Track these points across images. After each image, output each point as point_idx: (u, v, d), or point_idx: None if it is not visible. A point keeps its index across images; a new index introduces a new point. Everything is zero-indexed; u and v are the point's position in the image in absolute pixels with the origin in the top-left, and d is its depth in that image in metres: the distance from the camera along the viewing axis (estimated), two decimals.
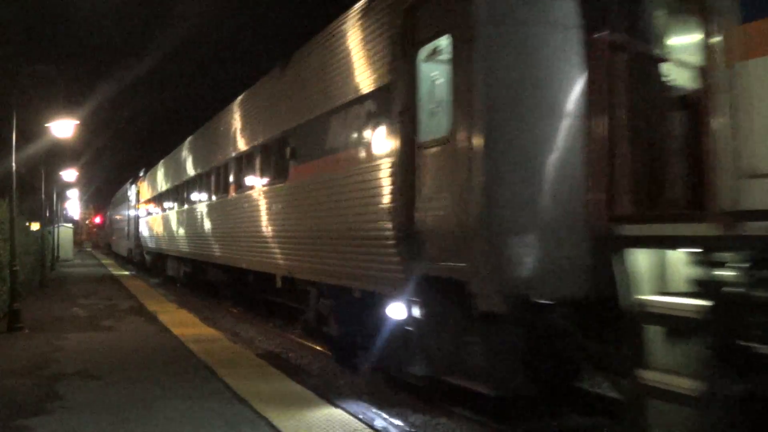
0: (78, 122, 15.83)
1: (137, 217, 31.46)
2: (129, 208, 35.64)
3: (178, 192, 20.49)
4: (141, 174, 31.83)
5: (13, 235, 12.16)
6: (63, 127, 15.39)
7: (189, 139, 19.88)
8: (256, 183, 11.81)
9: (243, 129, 13.41)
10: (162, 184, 24.30)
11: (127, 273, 29.83)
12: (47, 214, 27.72)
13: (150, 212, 27.16)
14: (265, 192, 11.31)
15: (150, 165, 29.58)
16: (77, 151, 33.91)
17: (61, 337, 10.47)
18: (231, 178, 13.83)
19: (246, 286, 14.91)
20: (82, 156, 38.55)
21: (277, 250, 10.70)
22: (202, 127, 18.28)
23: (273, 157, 10.86)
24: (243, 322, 14.21)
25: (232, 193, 13.73)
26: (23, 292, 14.17)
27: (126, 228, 37.46)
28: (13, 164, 12.32)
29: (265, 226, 11.10)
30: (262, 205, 11.33)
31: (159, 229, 24.53)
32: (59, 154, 28.07)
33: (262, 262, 11.64)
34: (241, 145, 13.19)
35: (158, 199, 24.96)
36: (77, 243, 58.79)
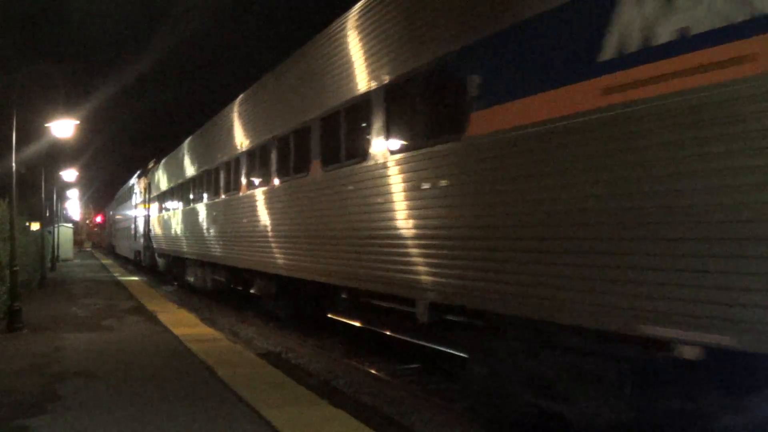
0: (78, 122, 15.85)
1: (147, 215, 27.10)
2: (137, 204, 31.27)
3: (210, 179, 16.01)
4: (151, 165, 27.72)
5: (13, 235, 12.15)
6: (63, 127, 15.41)
7: (223, 112, 15.43)
8: (375, 150, 7.59)
9: (341, 71, 8.68)
10: (184, 172, 19.64)
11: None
12: (47, 214, 27.70)
13: (165, 208, 22.81)
14: (393, 162, 7.20)
15: (157, 159, 26.08)
16: (77, 151, 33.97)
17: (61, 337, 10.47)
18: (312, 148, 9.49)
19: (323, 307, 11.42)
20: (82, 156, 38.64)
21: (418, 261, 6.77)
22: (241, 98, 13.81)
23: (423, 102, 6.81)
24: (243, 322, 14.21)
25: (316, 172, 9.33)
26: (23, 292, 14.17)
27: (133, 227, 32.73)
28: (13, 164, 12.31)
29: (395, 222, 7.16)
30: (383, 186, 7.36)
31: (178, 227, 20.18)
32: (59, 154, 28.10)
33: (387, 279, 7.41)
34: (341, 94, 8.62)
35: (178, 191, 20.37)
36: (77, 243, 58.76)
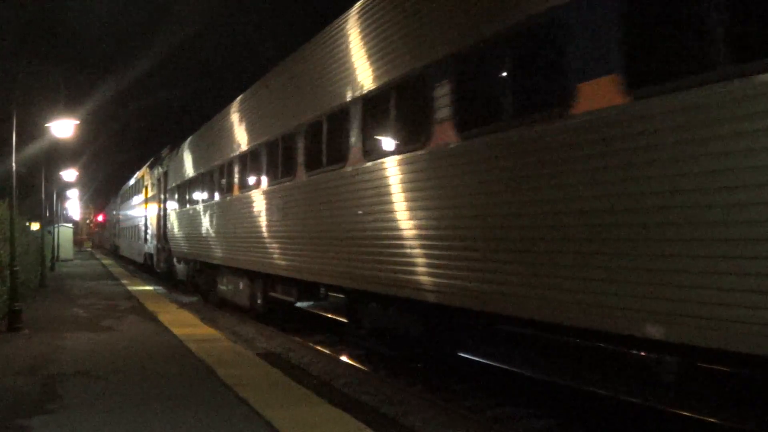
0: (78, 122, 15.88)
1: (163, 211, 22.54)
2: (148, 198, 26.92)
3: (275, 152, 11.30)
4: (166, 152, 23.46)
5: (13, 235, 12.15)
6: (63, 127, 15.44)
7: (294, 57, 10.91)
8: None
9: None
10: (225, 151, 14.64)
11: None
12: (47, 214, 27.73)
13: (191, 200, 18.01)
14: None
15: (173, 145, 22.13)
16: (77, 151, 33.99)
17: (61, 337, 10.47)
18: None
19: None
20: (82, 156, 38.66)
21: None
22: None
23: None
24: (243, 323, 14.20)
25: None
26: (23, 292, 14.17)
27: (142, 226, 28.52)
28: (13, 164, 12.33)
29: None
30: None
31: (211, 225, 15.62)
32: (59, 154, 28.13)
33: None
34: None
35: (213, 176, 15.61)
36: (77, 243, 58.82)
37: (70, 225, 47.25)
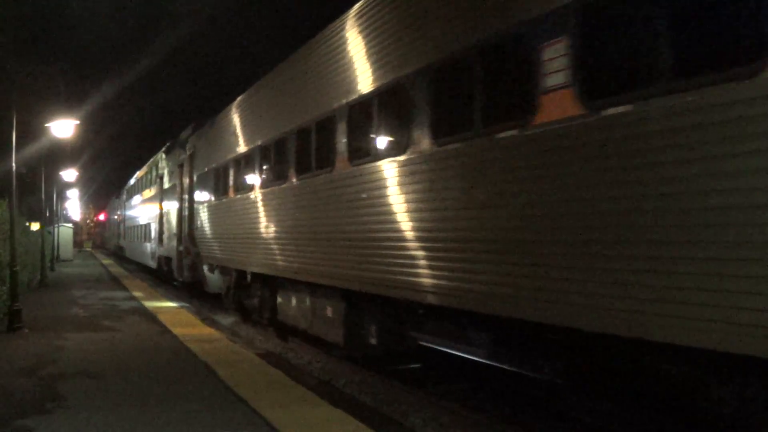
0: (78, 122, 15.89)
1: (187, 205, 17.89)
2: (165, 191, 22.19)
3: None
4: (186, 135, 18.76)
5: (13, 235, 12.15)
6: (63, 127, 15.45)
7: None
8: None
9: None
10: (333, 94, 8.68)
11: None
12: (47, 214, 27.73)
13: (236, 187, 13.06)
14: None
15: (198, 123, 17.34)
16: (77, 151, 33.99)
17: (61, 337, 10.48)
18: None
19: None
20: (82, 156, 38.66)
21: None
22: None
23: None
24: (243, 323, 14.19)
25: None
26: (23, 292, 14.17)
27: (156, 224, 23.98)
28: (13, 164, 12.32)
29: None
30: None
31: (274, 219, 10.82)
32: (59, 154, 28.13)
33: None
34: None
35: (282, 147, 10.46)
36: (77, 243, 58.79)
37: (70, 225, 47.29)
